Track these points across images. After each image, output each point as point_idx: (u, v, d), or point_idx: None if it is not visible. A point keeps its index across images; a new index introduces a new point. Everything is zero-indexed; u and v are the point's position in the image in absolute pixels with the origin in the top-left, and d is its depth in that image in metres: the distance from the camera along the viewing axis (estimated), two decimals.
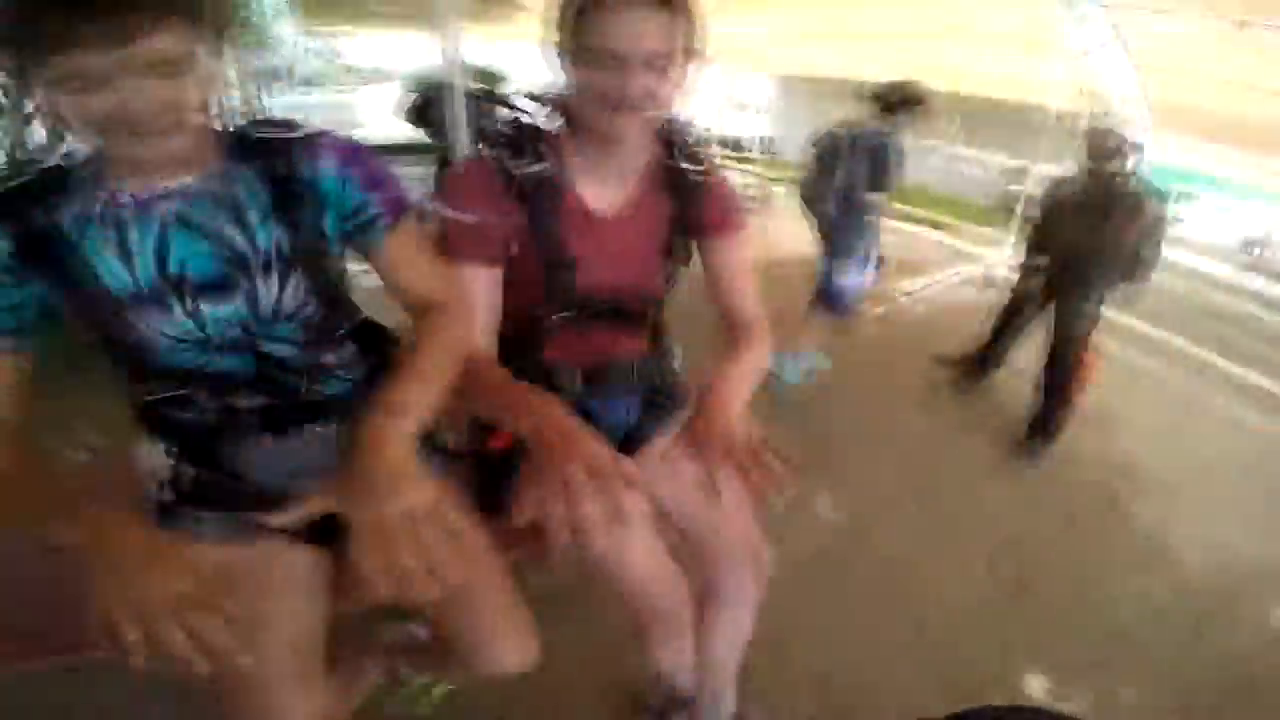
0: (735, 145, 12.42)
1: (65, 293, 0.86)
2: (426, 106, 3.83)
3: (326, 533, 0.98)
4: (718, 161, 1.36)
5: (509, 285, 1.15)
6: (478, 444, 1.26)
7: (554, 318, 1.19)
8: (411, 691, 1.68)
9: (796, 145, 4.64)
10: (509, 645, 1.19)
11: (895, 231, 5.81)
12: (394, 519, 0.78)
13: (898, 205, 4.94)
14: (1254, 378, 4.54)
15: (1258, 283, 7.12)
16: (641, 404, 1.36)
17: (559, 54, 1.05)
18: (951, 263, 6.67)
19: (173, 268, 0.89)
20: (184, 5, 0.74)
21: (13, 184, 0.84)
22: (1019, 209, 7.78)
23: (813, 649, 2.03)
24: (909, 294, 5.56)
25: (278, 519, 0.86)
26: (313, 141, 0.96)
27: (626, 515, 0.84)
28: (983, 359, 3.82)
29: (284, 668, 0.99)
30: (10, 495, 0.82)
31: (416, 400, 0.91)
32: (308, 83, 13.13)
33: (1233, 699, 2.04)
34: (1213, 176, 8.01)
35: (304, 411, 1.03)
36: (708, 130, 10.94)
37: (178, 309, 0.89)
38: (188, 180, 0.89)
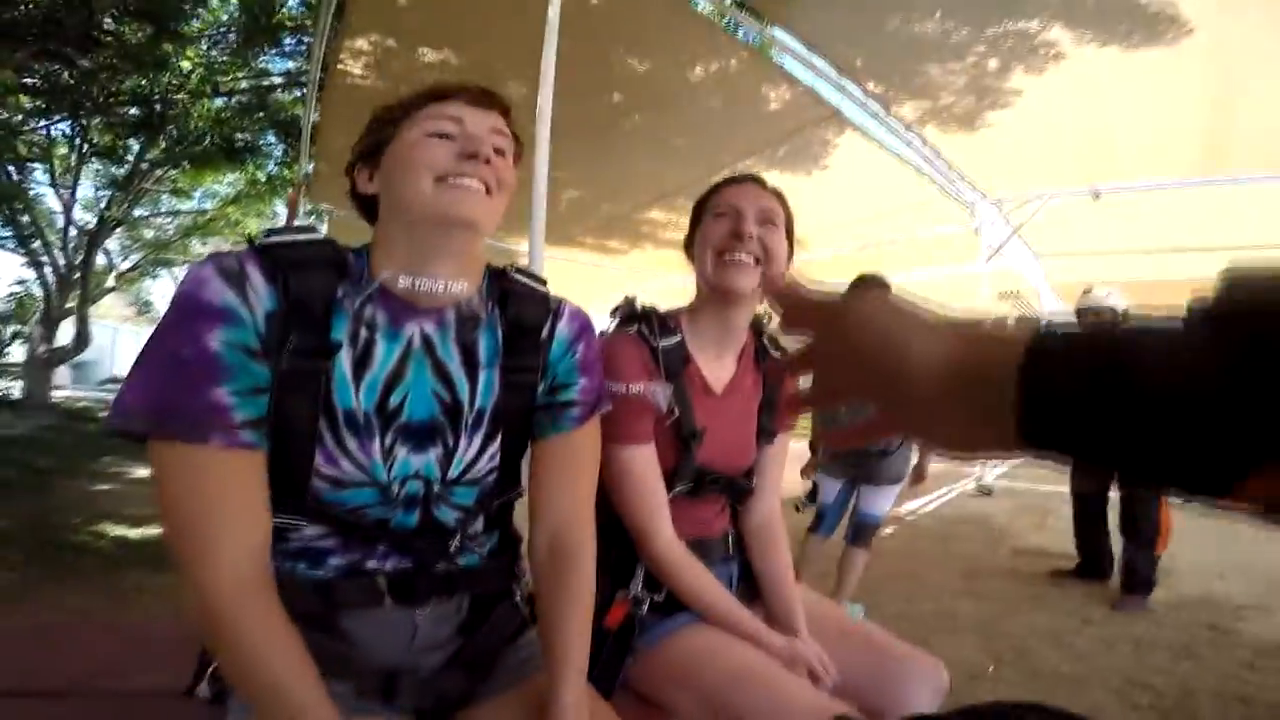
0: None
1: (281, 388, 0.78)
2: None
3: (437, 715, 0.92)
4: None
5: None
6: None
7: (673, 492, 1.20)
8: None
9: None
10: None
11: None
12: None
13: None
14: None
15: None
16: (738, 573, 1.35)
17: (687, 249, 1.29)
18: (942, 480, 6.94)
19: (393, 401, 0.85)
20: None
21: (290, 239, 0.80)
22: None
23: None
24: (913, 513, 5.71)
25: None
26: (559, 300, 0.98)
27: None
28: (1090, 567, 3.85)
29: None
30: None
31: (584, 657, 0.91)
32: None
33: None
34: None
35: (435, 582, 0.92)
36: None
37: (376, 445, 0.84)
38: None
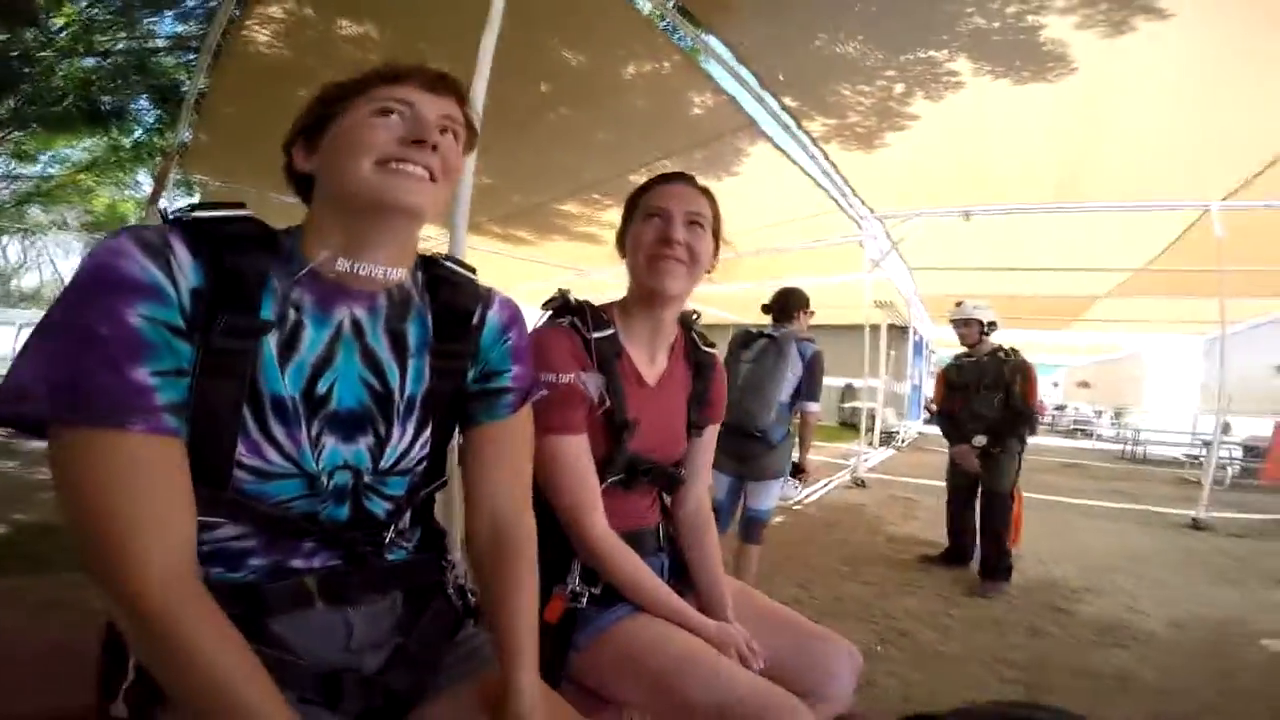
0: None
1: (204, 371, 0.71)
2: None
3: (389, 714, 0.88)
4: None
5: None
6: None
7: (606, 483, 1.21)
8: None
9: None
10: None
11: None
12: None
13: None
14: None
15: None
16: (670, 564, 1.37)
17: (620, 244, 1.31)
18: (821, 473, 7.42)
19: (320, 388, 0.80)
20: None
21: (219, 215, 0.75)
22: (863, 421, 9.41)
23: None
24: (799, 503, 6.05)
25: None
26: (489, 289, 0.97)
27: None
28: (956, 553, 4.21)
29: None
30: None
31: (534, 640, 0.90)
32: None
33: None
34: None
35: (366, 579, 0.88)
36: None
37: (303, 434, 0.78)
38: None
